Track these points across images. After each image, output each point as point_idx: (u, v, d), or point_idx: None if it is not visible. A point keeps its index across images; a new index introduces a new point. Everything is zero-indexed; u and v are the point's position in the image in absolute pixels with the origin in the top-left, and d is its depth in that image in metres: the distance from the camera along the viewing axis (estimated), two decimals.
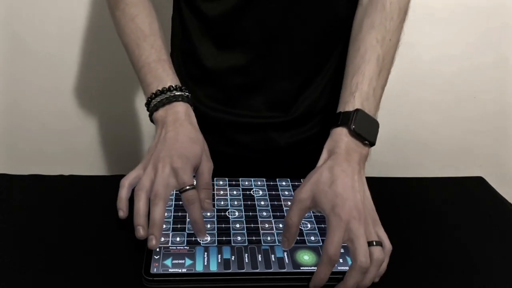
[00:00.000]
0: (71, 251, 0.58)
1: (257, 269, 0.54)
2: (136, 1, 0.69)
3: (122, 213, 0.57)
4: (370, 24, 0.64)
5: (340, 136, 0.58)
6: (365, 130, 0.58)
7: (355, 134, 0.58)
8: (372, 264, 0.50)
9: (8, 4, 1.08)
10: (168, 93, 0.62)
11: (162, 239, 0.58)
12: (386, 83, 0.64)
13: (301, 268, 0.55)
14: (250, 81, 0.74)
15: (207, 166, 0.60)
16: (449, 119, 1.33)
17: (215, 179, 0.71)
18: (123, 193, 0.57)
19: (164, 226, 0.60)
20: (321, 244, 0.59)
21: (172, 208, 0.64)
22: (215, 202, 0.66)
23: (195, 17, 0.73)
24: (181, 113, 0.62)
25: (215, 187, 0.69)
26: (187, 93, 0.64)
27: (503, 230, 0.69)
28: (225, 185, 0.70)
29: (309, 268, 0.55)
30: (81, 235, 0.61)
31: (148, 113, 0.64)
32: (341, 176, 0.54)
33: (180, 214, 0.63)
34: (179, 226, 0.61)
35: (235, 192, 0.68)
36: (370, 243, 0.51)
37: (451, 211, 0.73)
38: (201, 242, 0.58)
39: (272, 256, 0.56)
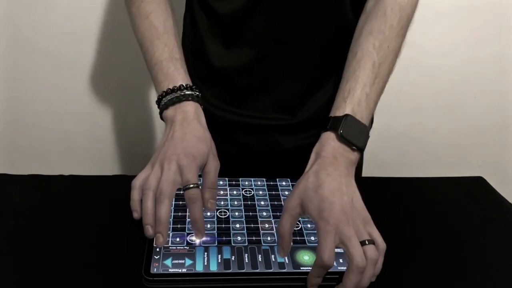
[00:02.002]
0: (71, 251, 0.58)
1: (257, 269, 0.54)
2: None
3: (137, 214, 0.58)
4: (369, 30, 0.64)
5: (328, 141, 0.58)
6: (353, 135, 0.58)
7: (342, 139, 0.58)
8: (368, 264, 0.50)
9: (11, 0, 1.08)
10: (179, 92, 0.63)
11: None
12: (383, 90, 0.64)
13: (301, 268, 0.55)
14: (257, 82, 0.74)
15: (213, 166, 0.60)
16: (449, 119, 1.33)
17: None
18: (135, 194, 0.58)
19: None
20: None
21: (172, 208, 0.64)
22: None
23: (206, 15, 0.73)
24: (190, 113, 0.62)
25: None
26: (197, 92, 0.64)
27: (503, 230, 0.69)
28: (225, 185, 0.70)
29: (309, 268, 0.54)
30: (81, 235, 0.61)
31: (155, 111, 0.65)
32: (327, 180, 0.54)
33: (180, 214, 0.63)
34: (179, 226, 0.61)
35: (235, 192, 0.68)
36: (362, 243, 0.51)
37: (451, 211, 0.73)
38: (199, 242, 0.57)
39: (272, 256, 0.56)
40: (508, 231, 0.69)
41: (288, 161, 0.78)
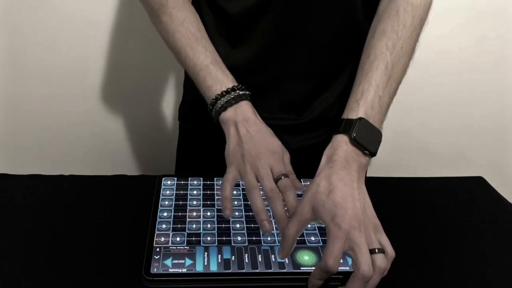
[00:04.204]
0: (71, 251, 0.58)
1: (257, 269, 0.54)
2: (181, 5, 0.70)
3: (229, 212, 0.58)
4: (382, 31, 0.64)
5: (340, 144, 0.58)
6: (366, 139, 0.58)
7: (355, 143, 0.57)
8: (375, 272, 0.50)
9: (11, 2, 1.08)
10: (233, 93, 0.64)
11: (162, 239, 0.58)
12: (396, 92, 0.64)
13: (301, 268, 0.55)
14: (264, 82, 0.74)
15: (287, 157, 0.63)
16: (449, 119, 1.33)
17: (215, 179, 0.71)
18: (227, 193, 0.59)
19: (164, 226, 0.60)
20: (321, 244, 0.59)
21: (172, 208, 0.64)
22: (215, 202, 0.66)
23: (214, 15, 0.73)
24: (249, 112, 0.64)
25: (215, 187, 0.69)
26: (248, 92, 0.66)
27: (503, 230, 0.69)
28: None
29: (309, 268, 0.55)
30: (81, 235, 0.61)
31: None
32: (339, 185, 0.53)
33: (180, 214, 0.63)
34: (179, 226, 0.61)
35: (235, 192, 0.68)
36: (372, 251, 0.50)
37: (451, 211, 0.73)
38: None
39: (272, 256, 0.56)
40: (508, 231, 0.69)
41: (294, 161, 0.78)
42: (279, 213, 0.56)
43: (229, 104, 0.63)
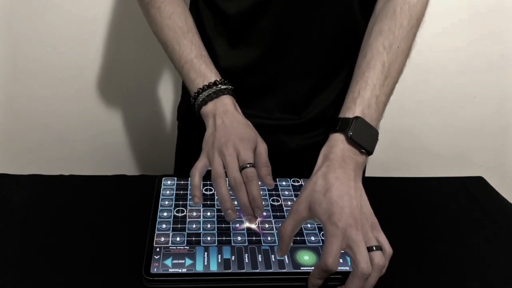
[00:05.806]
0: (71, 251, 0.58)
1: (257, 269, 0.54)
2: None
3: (198, 199, 0.59)
4: (379, 30, 0.64)
5: (337, 142, 0.58)
6: (363, 138, 0.58)
7: (352, 142, 0.57)
8: (373, 269, 0.50)
9: (9, 2, 1.08)
10: (214, 87, 0.65)
11: (162, 239, 0.58)
12: (392, 91, 0.64)
13: (301, 268, 0.55)
14: (263, 82, 0.74)
15: (263, 147, 0.63)
16: (449, 119, 1.33)
17: None
18: (196, 181, 0.59)
19: (164, 226, 0.60)
20: (321, 244, 0.59)
21: (172, 208, 0.64)
22: (215, 203, 0.66)
23: (213, 15, 0.73)
24: (229, 105, 0.65)
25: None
26: (230, 86, 0.67)
27: (503, 230, 0.69)
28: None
29: (309, 268, 0.55)
30: (81, 235, 0.61)
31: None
32: (336, 183, 0.53)
33: (180, 214, 0.63)
34: (179, 226, 0.61)
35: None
36: (369, 248, 0.50)
37: (451, 211, 0.73)
38: (256, 222, 0.59)
39: (272, 256, 0.56)
40: (508, 231, 0.69)
41: (293, 161, 0.78)
42: (241, 202, 0.57)
43: (210, 98, 0.64)
